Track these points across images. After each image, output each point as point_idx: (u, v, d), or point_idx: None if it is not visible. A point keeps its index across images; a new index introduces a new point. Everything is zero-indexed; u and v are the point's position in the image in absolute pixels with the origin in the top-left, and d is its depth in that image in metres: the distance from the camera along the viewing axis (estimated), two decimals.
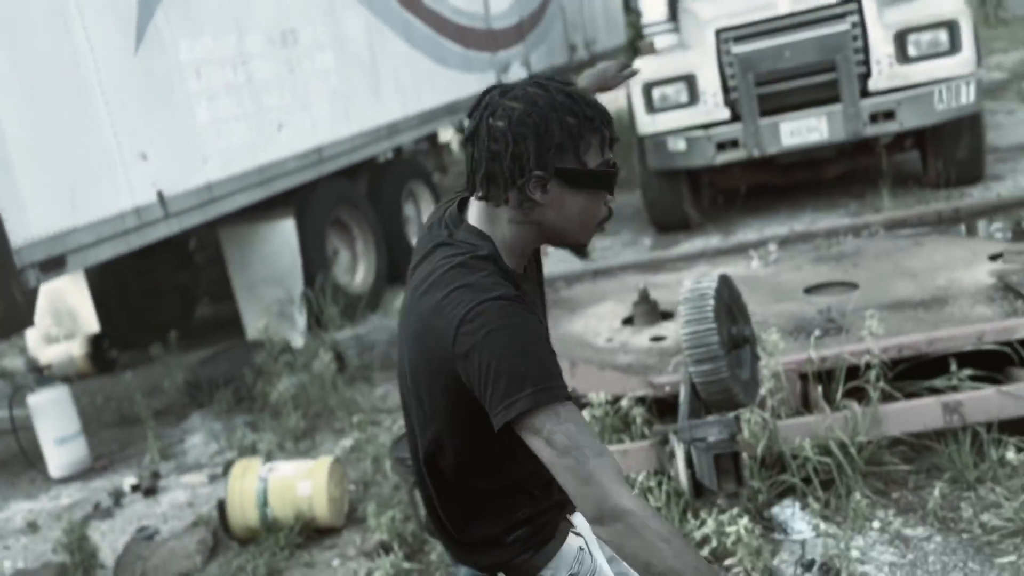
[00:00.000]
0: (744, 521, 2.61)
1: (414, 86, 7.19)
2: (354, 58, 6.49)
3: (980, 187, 6.39)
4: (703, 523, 2.77)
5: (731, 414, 2.69)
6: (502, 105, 1.41)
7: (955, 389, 3.07)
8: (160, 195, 4.78)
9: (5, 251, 4.01)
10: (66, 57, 4.33)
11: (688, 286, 2.62)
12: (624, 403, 3.22)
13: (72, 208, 4.32)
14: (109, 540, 3.93)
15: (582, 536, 1.60)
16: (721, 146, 6.27)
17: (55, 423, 4.70)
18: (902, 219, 4.78)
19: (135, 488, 4.37)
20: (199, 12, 5.15)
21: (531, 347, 1.36)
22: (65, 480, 4.69)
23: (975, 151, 6.32)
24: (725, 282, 2.67)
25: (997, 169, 6.81)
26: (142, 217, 4.67)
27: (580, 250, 1.54)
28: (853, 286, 4.02)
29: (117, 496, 4.33)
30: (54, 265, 4.25)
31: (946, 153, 6.32)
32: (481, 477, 1.52)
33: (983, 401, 2.94)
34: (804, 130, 6.14)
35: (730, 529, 2.62)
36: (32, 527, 4.20)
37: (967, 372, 3.07)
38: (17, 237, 4.05)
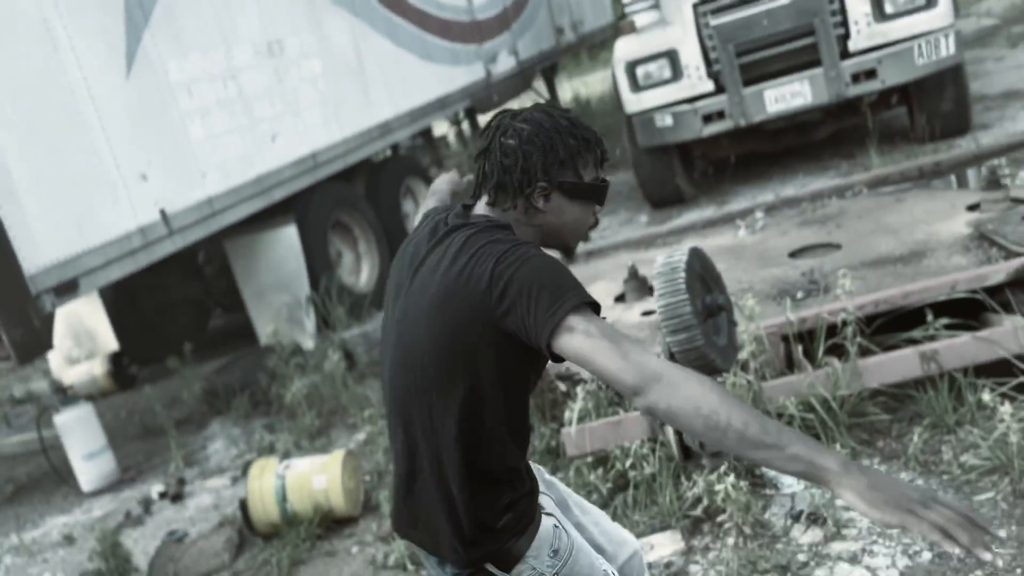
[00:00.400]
0: (731, 479, 2.74)
1: (403, 84, 7.32)
2: (341, 62, 6.63)
3: (968, 138, 6.44)
4: (695, 484, 2.91)
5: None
6: (512, 126, 1.64)
7: (933, 339, 3.18)
8: (163, 213, 4.95)
9: (19, 279, 4.18)
10: (60, 87, 4.49)
11: (660, 261, 2.75)
12: None
13: (79, 233, 4.49)
14: (141, 546, 4.12)
15: (553, 515, 1.72)
16: (707, 118, 6.37)
17: (82, 440, 4.90)
18: (884, 177, 4.87)
19: (163, 495, 4.56)
20: (185, 31, 5.30)
21: (563, 268, 1.53)
22: (96, 493, 4.90)
23: (960, 102, 6.38)
24: (696, 254, 2.79)
25: (985, 118, 6.86)
26: (147, 236, 4.84)
27: (569, 252, 1.77)
28: (836, 247, 4.13)
29: (146, 504, 4.53)
30: (67, 289, 4.42)
31: (931, 107, 6.39)
32: (491, 458, 1.61)
33: (958, 348, 3.05)
34: (788, 96, 6.23)
35: (718, 487, 2.75)
36: (68, 540, 4.40)
37: (943, 321, 3.17)
38: (30, 265, 4.23)
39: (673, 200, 7.08)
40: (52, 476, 5.15)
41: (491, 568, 1.64)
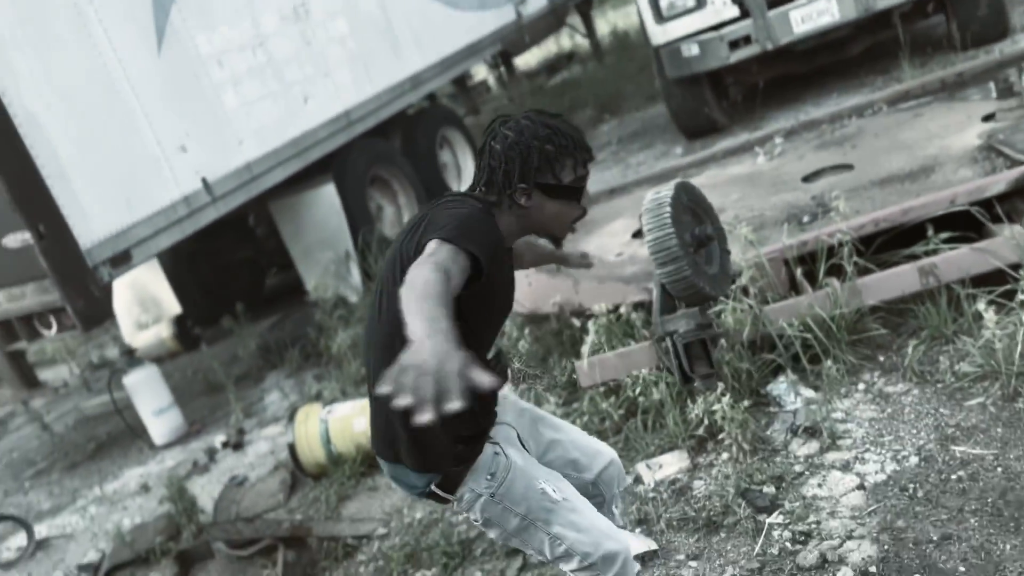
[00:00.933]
0: (727, 399, 2.88)
1: (431, 35, 7.41)
2: (367, 19, 6.75)
3: (1008, 42, 6.25)
4: (697, 406, 3.06)
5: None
6: (500, 132, 1.88)
7: (935, 253, 3.22)
8: (204, 181, 5.22)
9: (77, 254, 4.52)
10: (97, 69, 4.75)
11: (649, 197, 2.86)
12: (623, 310, 3.50)
13: (128, 206, 4.79)
14: (208, 490, 4.49)
15: (498, 444, 1.95)
16: (734, 44, 6.30)
17: (150, 398, 5.29)
18: (904, 92, 4.81)
19: (225, 444, 4.93)
20: (211, 4, 5.49)
21: (474, 223, 1.73)
22: (167, 446, 5.30)
23: (996, 5, 6.18)
24: (683, 188, 2.88)
25: None
26: (191, 204, 5.12)
27: (556, 241, 2.01)
28: (849, 168, 4.14)
29: (211, 453, 4.90)
30: (121, 260, 4.75)
31: (965, 12, 6.21)
32: None
33: (956, 260, 3.10)
34: (814, 15, 6.12)
35: (716, 408, 2.90)
36: (144, 488, 4.81)
37: (944, 235, 3.21)
38: (85, 240, 4.55)
39: (707, 130, 7.06)
40: (128, 433, 5.57)
41: (437, 491, 1.88)
